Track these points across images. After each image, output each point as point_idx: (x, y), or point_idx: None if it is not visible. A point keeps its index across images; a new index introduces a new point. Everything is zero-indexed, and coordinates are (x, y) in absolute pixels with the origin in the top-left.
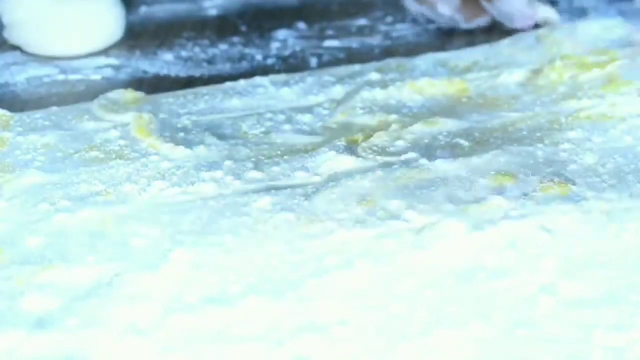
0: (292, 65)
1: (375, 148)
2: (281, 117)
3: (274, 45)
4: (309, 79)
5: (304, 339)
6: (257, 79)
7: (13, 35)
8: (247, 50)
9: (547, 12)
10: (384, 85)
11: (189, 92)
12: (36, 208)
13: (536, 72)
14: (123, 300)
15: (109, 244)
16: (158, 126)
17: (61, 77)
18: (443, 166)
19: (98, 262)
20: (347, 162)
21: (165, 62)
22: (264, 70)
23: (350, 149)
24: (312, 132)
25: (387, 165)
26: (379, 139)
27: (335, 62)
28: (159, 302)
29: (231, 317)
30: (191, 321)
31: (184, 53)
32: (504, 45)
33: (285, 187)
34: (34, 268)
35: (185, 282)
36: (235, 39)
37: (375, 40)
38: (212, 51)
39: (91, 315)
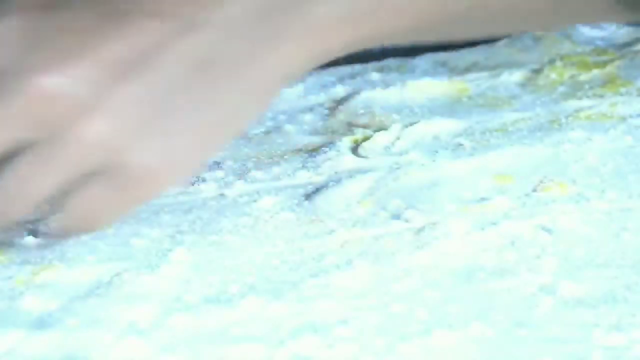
0: None
1: (375, 148)
2: (282, 117)
3: None
4: (309, 79)
5: (304, 339)
6: None
7: None
8: None
9: None
10: (384, 85)
11: None
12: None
13: (536, 72)
14: (123, 300)
15: (109, 244)
16: None
17: None
18: (443, 166)
19: (98, 262)
20: (348, 161)
21: None
22: None
23: (351, 148)
24: (312, 132)
25: (387, 165)
26: (379, 138)
27: (335, 62)
28: (159, 302)
29: (231, 317)
30: (191, 321)
31: None
32: (504, 45)
33: (286, 187)
34: (34, 268)
35: (185, 282)
36: None
37: None
38: None
39: (91, 315)
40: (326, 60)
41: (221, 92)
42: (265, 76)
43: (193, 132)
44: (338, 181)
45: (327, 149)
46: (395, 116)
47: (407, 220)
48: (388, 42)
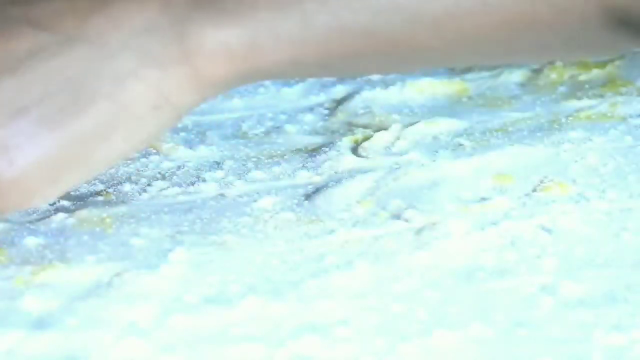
0: None
1: (376, 148)
2: (282, 117)
3: None
4: (310, 79)
5: (304, 339)
6: None
7: None
8: None
9: None
10: (384, 85)
11: None
12: (36, 208)
13: (536, 72)
14: (123, 300)
15: (109, 244)
16: None
17: None
18: (443, 166)
19: (98, 262)
20: (348, 161)
21: None
22: None
23: (351, 148)
24: (313, 132)
25: (387, 165)
26: (379, 138)
27: None
28: (159, 302)
29: (231, 317)
30: (191, 321)
31: None
32: None
33: (286, 187)
34: (34, 268)
35: (185, 282)
36: None
37: None
38: None
39: (91, 315)
40: (217, 90)
41: (90, 111)
42: (141, 98)
43: (52, 149)
44: (338, 181)
45: (327, 149)
46: (395, 116)
47: (407, 220)
48: (288, 76)
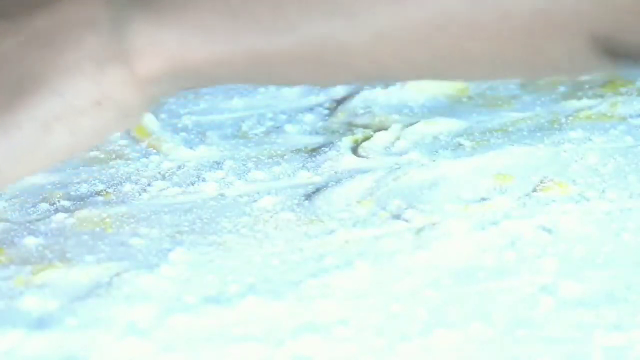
0: None
1: (376, 148)
2: (282, 117)
3: None
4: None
5: (304, 339)
6: None
7: None
8: None
9: None
10: (384, 85)
11: (190, 92)
12: (36, 208)
13: None
14: (123, 300)
15: (108, 244)
16: (158, 126)
17: None
18: (443, 166)
19: (98, 262)
20: (348, 161)
21: None
22: None
23: (351, 148)
24: (313, 132)
25: (387, 165)
26: (379, 138)
27: None
28: (159, 302)
29: (231, 317)
30: (191, 321)
31: None
32: None
33: (286, 187)
34: (34, 268)
35: (185, 282)
36: None
37: None
38: None
39: (91, 315)
40: (157, 90)
41: (33, 101)
42: (83, 92)
43: None
44: (338, 181)
45: (327, 149)
46: (395, 116)
47: (407, 220)
48: (222, 79)
